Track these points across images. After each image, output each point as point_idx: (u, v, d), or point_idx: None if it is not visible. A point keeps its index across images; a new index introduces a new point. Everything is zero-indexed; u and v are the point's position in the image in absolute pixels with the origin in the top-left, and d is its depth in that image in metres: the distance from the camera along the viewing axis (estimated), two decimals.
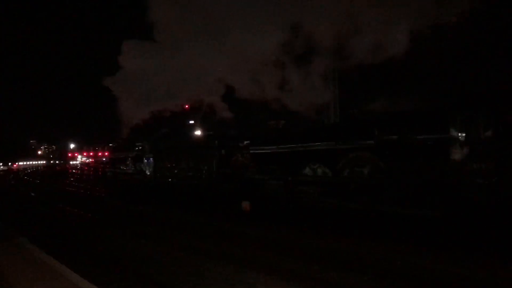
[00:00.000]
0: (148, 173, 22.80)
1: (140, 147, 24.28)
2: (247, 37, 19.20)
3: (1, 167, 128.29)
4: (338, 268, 9.11)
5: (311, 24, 17.57)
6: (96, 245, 12.25)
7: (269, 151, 15.55)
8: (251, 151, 16.30)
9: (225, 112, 22.34)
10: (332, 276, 8.64)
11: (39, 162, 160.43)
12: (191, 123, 45.40)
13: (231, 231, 13.62)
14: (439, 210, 10.03)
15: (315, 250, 10.81)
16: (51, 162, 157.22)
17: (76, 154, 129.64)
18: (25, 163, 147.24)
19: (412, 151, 10.70)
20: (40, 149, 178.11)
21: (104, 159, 31.85)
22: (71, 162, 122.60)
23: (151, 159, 22.70)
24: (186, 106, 46.86)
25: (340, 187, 12.51)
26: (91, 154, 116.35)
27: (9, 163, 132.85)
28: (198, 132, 33.19)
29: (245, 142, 17.11)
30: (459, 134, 9.70)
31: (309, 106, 17.66)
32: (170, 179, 20.74)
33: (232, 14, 19.73)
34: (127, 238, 13.14)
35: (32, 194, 33.11)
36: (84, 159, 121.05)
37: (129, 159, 25.67)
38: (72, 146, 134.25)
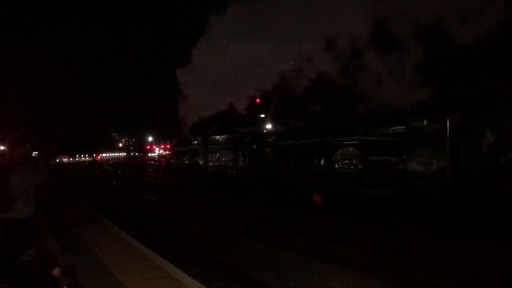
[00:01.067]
0: (201, 164, 26.72)
1: (196, 142, 28.41)
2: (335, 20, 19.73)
3: (87, 158, 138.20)
4: (410, 263, 8.91)
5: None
6: (173, 232, 12.91)
7: (287, 146, 18.31)
8: (275, 146, 19.11)
9: (313, 105, 23.56)
10: (405, 271, 8.47)
11: (120, 154, 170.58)
12: (262, 117, 45.95)
13: (301, 223, 13.72)
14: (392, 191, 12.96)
15: (384, 244, 10.61)
16: (131, 154, 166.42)
17: (154, 147, 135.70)
18: (107, 154, 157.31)
19: (380, 148, 13.56)
20: (121, 142, 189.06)
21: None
22: (149, 154, 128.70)
23: (203, 152, 26.55)
24: (258, 100, 47.36)
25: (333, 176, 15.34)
26: (168, 146, 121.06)
27: (94, 155, 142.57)
28: (268, 126, 33.79)
29: (272, 138, 19.95)
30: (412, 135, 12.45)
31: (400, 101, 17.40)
32: (217, 169, 24.35)
33: None
34: (202, 226, 13.69)
35: (114, 183, 35.37)
36: (161, 151, 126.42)
37: (188, 152, 29.61)
38: (150, 139, 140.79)
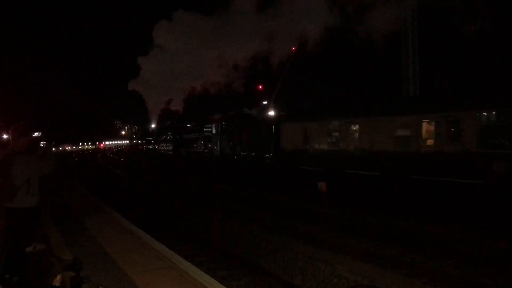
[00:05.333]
0: (156, 149, 43.86)
1: (155, 133, 46.89)
2: None
3: (90, 146, 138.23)
4: (417, 250, 8.85)
5: None
6: (176, 219, 12.88)
7: (187, 137, 34.81)
8: (184, 137, 35.29)
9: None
10: (412, 258, 8.42)
11: (123, 141, 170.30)
12: (264, 104, 46.01)
13: (305, 210, 13.65)
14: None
15: (391, 231, 10.52)
16: (134, 142, 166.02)
17: None
18: (110, 142, 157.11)
19: (204, 139, 32.02)
20: (124, 130, 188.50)
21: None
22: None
23: (157, 140, 44.06)
24: (260, 87, 47.42)
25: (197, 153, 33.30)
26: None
27: (97, 143, 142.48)
28: (271, 113, 35.30)
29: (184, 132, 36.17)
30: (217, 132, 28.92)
31: None
32: (163, 152, 41.39)
33: None
34: (210, 214, 13.61)
35: (117, 171, 35.37)
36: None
37: (151, 140, 48.60)
38: (153, 126, 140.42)
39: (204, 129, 30.12)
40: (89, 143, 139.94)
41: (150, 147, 47.96)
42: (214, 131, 27.79)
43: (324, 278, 7.35)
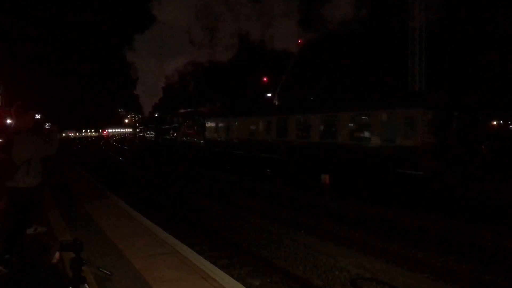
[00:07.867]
0: (145, 135, 50.96)
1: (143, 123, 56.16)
2: None
3: (93, 133, 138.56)
4: (419, 245, 8.77)
5: None
6: (180, 209, 12.82)
7: (164, 127, 38.25)
8: (162, 127, 39.28)
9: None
10: (414, 253, 8.35)
11: (126, 129, 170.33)
12: (268, 96, 45.90)
13: (307, 202, 13.58)
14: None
15: (393, 225, 10.42)
16: (137, 130, 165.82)
17: None
18: (114, 130, 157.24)
19: (173, 129, 36.14)
20: (127, 118, 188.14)
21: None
22: None
23: (145, 128, 51.58)
24: (265, 79, 47.26)
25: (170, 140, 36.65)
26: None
27: (100, 130, 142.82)
28: (277, 105, 34.85)
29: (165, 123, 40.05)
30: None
31: None
32: (150, 139, 46.51)
33: None
34: (210, 203, 13.56)
35: (120, 159, 35.39)
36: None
37: (142, 129, 56.61)
38: (156, 115, 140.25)
39: (174, 120, 37.18)
40: (93, 130, 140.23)
41: (141, 134, 56.07)
42: (178, 123, 35.54)
43: (325, 269, 7.27)
